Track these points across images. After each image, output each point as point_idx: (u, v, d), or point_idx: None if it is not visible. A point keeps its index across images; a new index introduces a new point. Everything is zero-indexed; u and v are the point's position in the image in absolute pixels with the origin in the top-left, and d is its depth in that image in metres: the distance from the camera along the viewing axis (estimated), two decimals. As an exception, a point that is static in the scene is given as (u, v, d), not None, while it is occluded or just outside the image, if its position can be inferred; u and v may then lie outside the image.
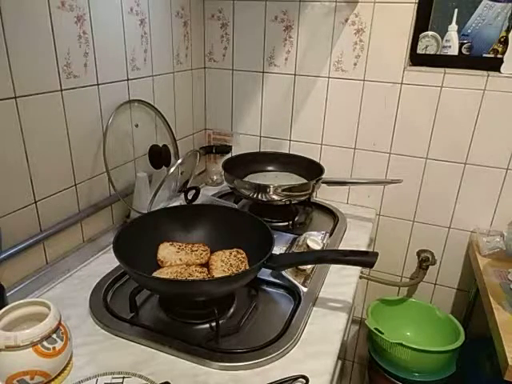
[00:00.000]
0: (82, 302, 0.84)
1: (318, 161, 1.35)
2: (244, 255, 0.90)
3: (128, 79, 1.07)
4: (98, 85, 0.97)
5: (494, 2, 1.23)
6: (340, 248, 1.10)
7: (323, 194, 1.39)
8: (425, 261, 1.34)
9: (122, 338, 0.76)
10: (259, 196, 1.15)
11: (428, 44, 1.26)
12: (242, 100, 1.42)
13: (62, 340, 0.65)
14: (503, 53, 1.14)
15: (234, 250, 0.91)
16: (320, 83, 1.31)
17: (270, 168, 1.38)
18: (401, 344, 1.21)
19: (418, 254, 1.36)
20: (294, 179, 1.30)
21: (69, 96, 0.89)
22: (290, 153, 1.41)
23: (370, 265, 0.79)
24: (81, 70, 0.92)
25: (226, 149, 1.48)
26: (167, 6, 1.18)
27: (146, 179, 1.11)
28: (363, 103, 1.28)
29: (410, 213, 1.34)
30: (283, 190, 1.14)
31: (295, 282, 0.91)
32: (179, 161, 1.09)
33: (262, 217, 0.93)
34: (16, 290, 0.83)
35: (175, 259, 0.89)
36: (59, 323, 0.66)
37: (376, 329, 1.26)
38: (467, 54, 1.25)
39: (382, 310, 1.40)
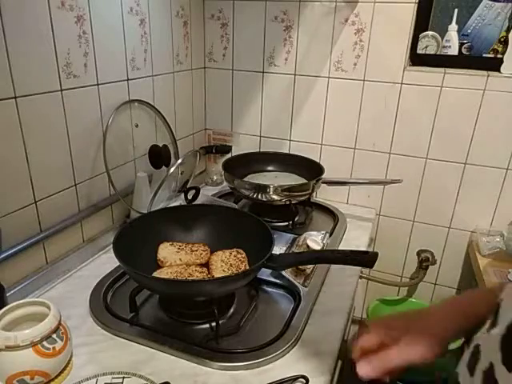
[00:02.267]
0: (82, 302, 0.84)
1: (318, 161, 1.34)
2: (244, 255, 0.90)
3: (128, 79, 1.07)
4: (97, 85, 0.97)
5: (493, 1, 1.23)
6: (340, 248, 1.10)
7: (323, 194, 1.39)
8: (425, 261, 1.34)
9: (122, 337, 0.76)
10: (259, 196, 1.15)
11: (428, 44, 1.27)
12: (242, 100, 1.42)
13: (61, 340, 0.65)
14: (503, 53, 1.14)
15: (234, 250, 0.91)
16: (320, 83, 1.31)
17: (270, 168, 1.38)
18: (401, 344, 1.21)
19: (418, 253, 1.36)
20: (294, 179, 1.30)
21: (69, 96, 0.89)
22: (290, 153, 1.41)
23: (370, 265, 0.79)
24: (81, 70, 0.92)
25: (226, 149, 1.48)
26: (167, 6, 1.18)
27: (146, 179, 1.11)
28: (363, 103, 1.28)
29: (409, 213, 1.34)
30: (283, 190, 1.14)
31: (295, 282, 0.91)
32: (179, 161, 1.09)
33: (261, 217, 0.93)
34: (16, 289, 0.83)
35: (175, 259, 0.89)
36: (59, 323, 0.66)
37: (376, 329, 1.26)
38: (467, 53, 1.25)
39: (381, 310, 1.40)
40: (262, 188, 1.14)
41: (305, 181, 1.26)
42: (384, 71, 1.23)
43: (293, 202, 1.20)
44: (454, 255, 1.33)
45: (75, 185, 0.96)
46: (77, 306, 0.83)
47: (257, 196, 1.16)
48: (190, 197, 1.17)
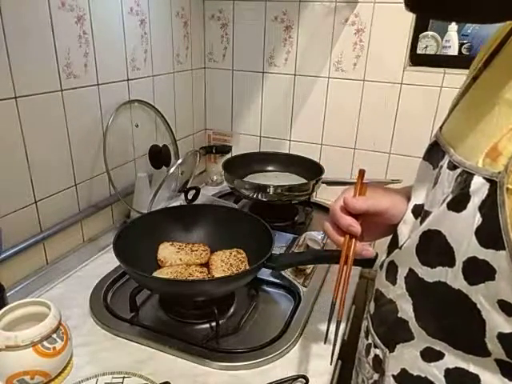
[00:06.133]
0: (82, 301, 0.84)
1: (318, 161, 1.34)
2: (244, 255, 0.90)
3: (128, 79, 1.07)
4: (98, 85, 0.97)
5: (493, 2, 1.23)
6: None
7: (323, 194, 1.39)
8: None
9: (122, 337, 0.76)
10: (259, 196, 1.15)
11: (428, 44, 1.26)
12: (241, 100, 1.42)
13: (62, 340, 0.66)
14: (503, 53, 1.14)
15: (234, 249, 0.91)
16: (320, 83, 1.31)
17: (269, 168, 1.38)
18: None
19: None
20: (294, 179, 1.30)
21: (69, 96, 0.89)
22: (290, 153, 1.41)
23: (370, 265, 0.79)
24: (81, 70, 0.92)
25: (226, 149, 1.48)
26: (167, 6, 1.18)
27: (146, 179, 1.11)
28: (363, 103, 1.28)
29: (409, 213, 1.34)
30: (283, 190, 1.14)
31: (295, 282, 0.91)
32: (179, 161, 1.09)
33: (262, 217, 0.92)
34: (16, 289, 0.83)
35: (175, 259, 0.89)
36: (59, 323, 0.66)
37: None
38: (467, 54, 1.25)
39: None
40: (262, 188, 1.14)
41: (305, 181, 1.26)
42: (384, 71, 1.23)
43: (293, 202, 1.20)
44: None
45: (75, 185, 0.96)
46: (77, 305, 0.83)
47: (257, 196, 1.16)
48: (190, 197, 1.17)
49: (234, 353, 0.73)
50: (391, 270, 0.52)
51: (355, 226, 0.57)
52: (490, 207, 0.37)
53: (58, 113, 0.88)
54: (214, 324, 0.76)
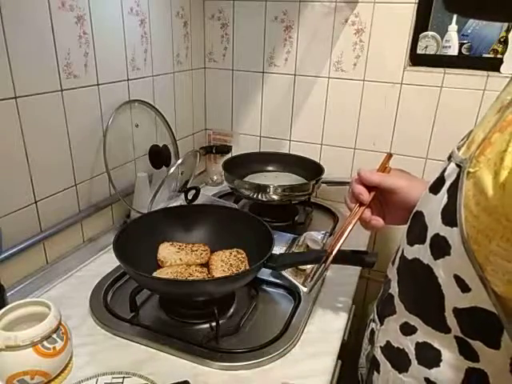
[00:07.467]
0: (82, 301, 0.84)
1: (318, 161, 1.35)
2: (244, 255, 0.90)
3: (128, 79, 1.07)
4: (98, 85, 0.97)
5: (493, 2, 1.23)
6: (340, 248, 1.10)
7: (323, 194, 1.39)
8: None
9: (122, 337, 0.76)
10: (259, 196, 1.15)
11: (428, 44, 1.27)
12: (241, 100, 1.42)
13: (62, 340, 0.66)
14: (503, 53, 1.14)
15: (234, 250, 0.92)
16: (320, 83, 1.31)
17: (270, 168, 1.38)
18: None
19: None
20: (294, 179, 1.30)
21: (69, 96, 0.89)
22: (290, 153, 1.41)
23: (370, 265, 0.79)
24: (81, 70, 0.92)
25: (226, 149, 1.48)
26: (167, 6, 1.18)
27: (146, 179, 1.11)
28: (363, 103, 1.28)
29: (409, 213, 1.34)
30: (283, 190, 1.14)
31: (295, 282, 0.91)
32: (179, 161, 1.09)
33: (262, 217, 0.93)
34: (16, 289, 0.83)
35: (175, 259, 0.89)
36: (59, 323, 0.66)
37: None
38: (467, 54, 1.25)
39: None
40: (262, 188, 1.14)
41: (305, 181, 1.26)
42: (384, 71, 1.23)
43: (293, 202, 1.20)
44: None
45: (75, 185, 0.96)
46: (77, 305, 0.83)
47: (257, 196, 1.16)
48: (190, 197, 1.17)
49: (234, 353, 0.73)
50: (396, 254, 0.56)
51: (364, 195, 0.67)
52: (454, 189, 0.41)
53: (57, 113, 0.88)
54: (214, 324, 0.76)
